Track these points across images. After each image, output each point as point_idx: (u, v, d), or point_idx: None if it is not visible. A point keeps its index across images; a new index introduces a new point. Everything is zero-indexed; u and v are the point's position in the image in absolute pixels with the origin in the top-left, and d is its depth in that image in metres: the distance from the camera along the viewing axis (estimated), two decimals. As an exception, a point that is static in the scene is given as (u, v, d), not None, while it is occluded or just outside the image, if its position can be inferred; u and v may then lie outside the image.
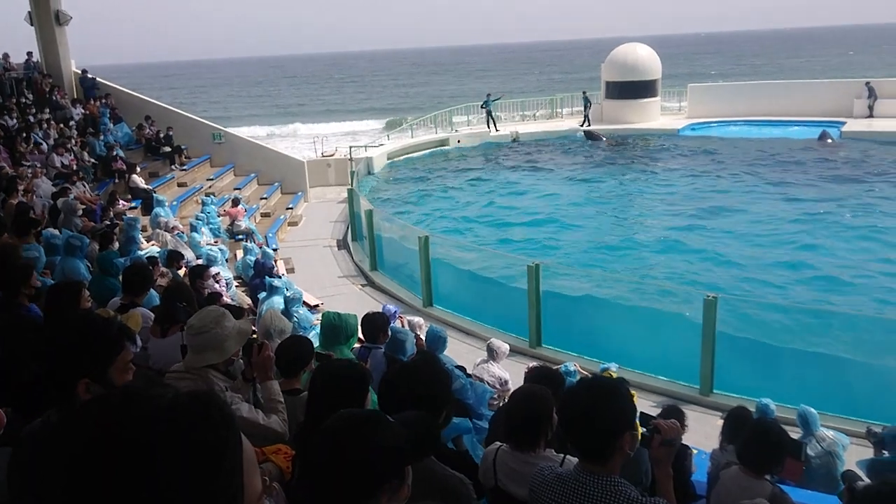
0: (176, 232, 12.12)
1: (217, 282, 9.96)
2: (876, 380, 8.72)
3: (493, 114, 29.21)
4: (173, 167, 18.30)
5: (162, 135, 18.98)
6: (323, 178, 23.11)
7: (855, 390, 8.58)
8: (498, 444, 3.11)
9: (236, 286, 11.92)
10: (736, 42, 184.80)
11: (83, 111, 18.55)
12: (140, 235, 10.68)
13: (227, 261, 12.73)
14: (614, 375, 7.55)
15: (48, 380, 2.30)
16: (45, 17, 19.79)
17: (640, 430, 2.73)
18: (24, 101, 17.57)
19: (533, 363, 8.04)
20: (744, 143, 26.05)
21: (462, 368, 6.87)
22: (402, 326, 7.63)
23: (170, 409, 0.93)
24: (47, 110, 17.25)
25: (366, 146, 25.85)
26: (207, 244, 12.40)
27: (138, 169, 16.15)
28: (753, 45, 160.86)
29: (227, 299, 9.51)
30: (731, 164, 23.24)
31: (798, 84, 32.05)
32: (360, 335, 5.82)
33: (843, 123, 26.59)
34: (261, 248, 13.39)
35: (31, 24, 19.98)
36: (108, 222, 11.32)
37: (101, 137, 17.11)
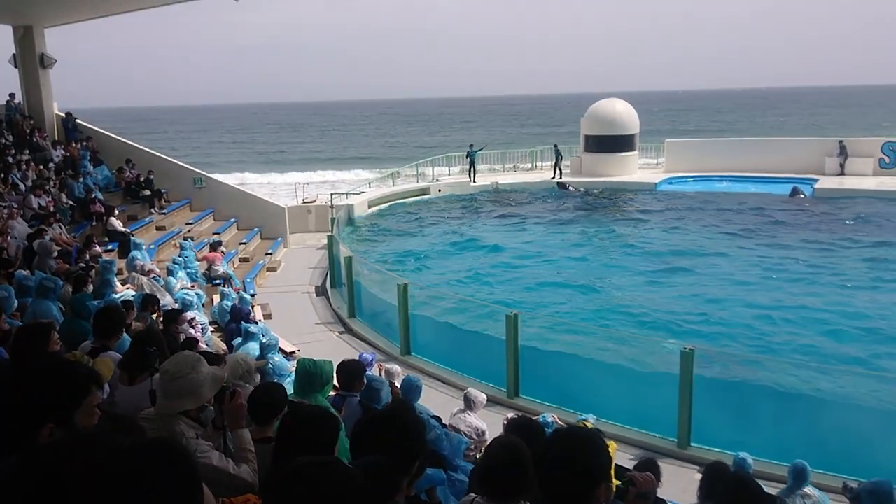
0: (152, 275, 11.99)
1: (192, 327, 9.83)
2: (851, 434, 8.74)
3: (476, 164, 29.58)
4: (153, 210, 18.21)
5: (142, 178, 18.93)
6: (303, 225, 23.11)
7: (831, 445, 8.58)
8: (473, 495, 3.05)
9: (212, 331, 11.77)
10: (712, 99, 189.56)
11: (64, 153, 18.50)
12: (116, 279, 10.56)
13: (203, 306, 12.59)
14: (591, 427, 7.51)
15: (11, 422, 2.24)
16: (30, 60, 19.87)
17: (615, 482, 2.70)
18: (3, 141, 17.50)
19: (510, 413, 7.98)
20: (719, 198, 26.50)
21: (438, 418, 6.79)
22: (380, 374, 7.55)
23: (128, 455, 0.91)
24: (27, 151, 17.17)
25: (347, 193, 25.97)
26: (184, 288, 12.27)
27: (117, 212, 16.05)
28: (729, 102, 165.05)
29: (202, 345, 9.38)
30: (706, 217, 23.61)
31: (772, 141, 32.85)
32: (336, 383, 5.75)
33: (816, 181, 27.19)
34: (238, 293, 13.27)
35: (16, 67, 20.05)
36: (84, 265, 11.18)
37: (81, 179, 17.03)
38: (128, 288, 10.94)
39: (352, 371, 5.77)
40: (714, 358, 10.73)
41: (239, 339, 10.49)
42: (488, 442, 5.84)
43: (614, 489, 2.56)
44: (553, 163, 30.59)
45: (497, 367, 10.75)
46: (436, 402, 9.25)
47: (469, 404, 7.67)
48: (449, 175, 30.97)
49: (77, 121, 20.88)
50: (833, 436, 8.73)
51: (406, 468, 2.70)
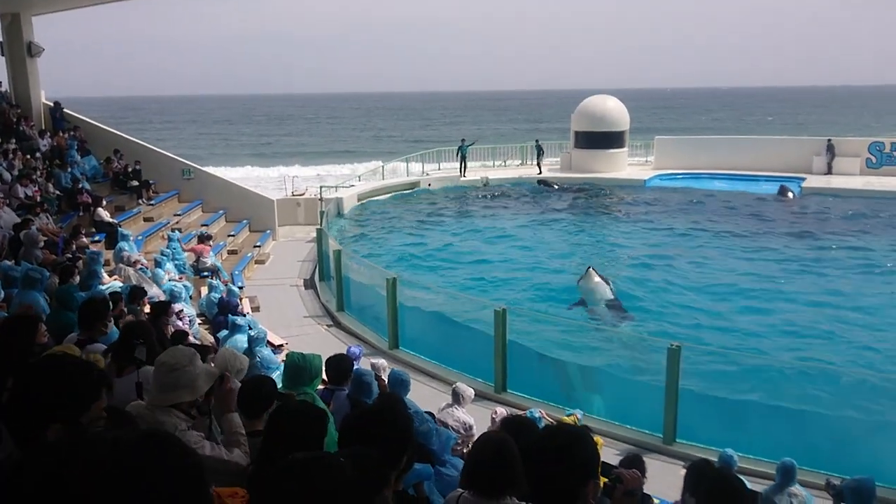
0: (138, 266, 11.94)
1: (180, 318, 9.80)
2: (835, 432, 8.83)
3: (466, 159, 29.58)
4: (140, 201, 18.10)
5: (130, 169, 18.80)
6: (292, 217, 23.04)
7: (815, 442, 8.67)
8: (460, 490, 3.06)
9: (200, 323, 11.73)
10: (701, 98, 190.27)
11: (51, 142, 18.35)
12: (103, 270, 10.50)
13: (191, 298, 12.54)
14: (578, 422, 7.55)
15: (22, 419, 2.21)
16: (17, 49, 19.68)
17: (602, 479, 2.72)
18: (-11, 130, 17.35)
19: (499, 408, 8.01)
20: (707, 195, 26.63)
21: (431, 414, 6.81)
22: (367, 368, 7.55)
23: (133, 450, 0.91)
24: (13, 140, 17.02)
25: (336, 186, 25.90)
26: (171, 280, 12.22)
27: (104, 202, 15.93)
28: (718, 101, 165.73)
29: (190, 338, 9.34)
30: (694, 215, 23.71)
31: (761, 140, 33.03)
32: (325, 377, 5.75)
33: (804, 179, 27.38)
34: (226, 285, 13.23)
35: (2, 55, 19.85)
36: (70, 255, 11.11)
37: (68, 169, 16.90)
38: (115, 279, 10.88)
39: (340, 366, 5.78)
40: (701, 354, 10.81)
41: (225, 332, 10.47)
42: (476, 437, 5.87)
43: (601, 486, 2.58)
44: (535, 159, 30.53)
45: (485, 362, 10.78)
46: (424, 395, 9.26)
47: (457, 399, 7.70)
48: (439, 170, 30.92)
49: (64, 110, 20.70)
50: (819, 434, 8.83)
51: (394, 462, 2.71)
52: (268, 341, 10.41)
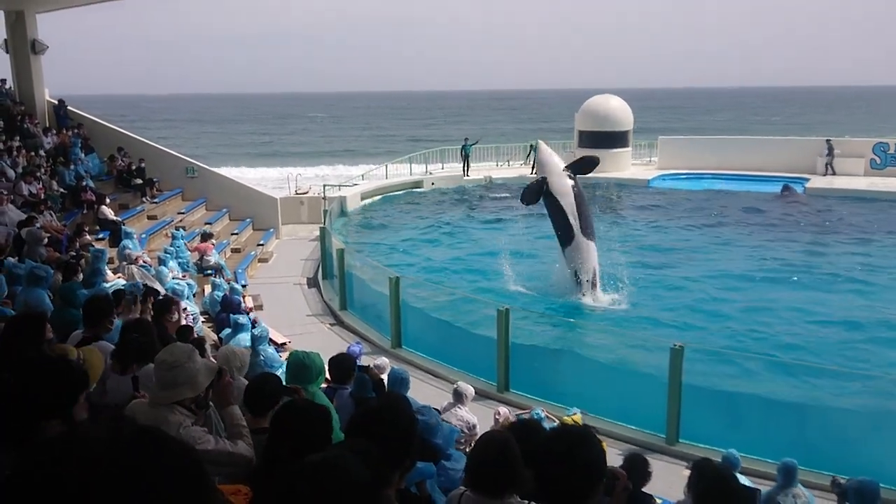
0: (140, 263, 11.96)
1: (184, 317, 9.80)
2: (839, 432, 8.81)
3: (469, 158, 29.56)
4: (144, 199, 18.14)
5: (134, 167, 18.84)
6: (295, 216, 23.04)
7: (818, 442, 8.65)
8: (462, 489, 3.07)
9: (203, 322, 11.74)
10: (706, 98, 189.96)
11: (55, 140, 18.38)
12: (106, 268, 10.51)
13: (194, 295, 12.56)
14: (579, 421, 7.56)
15: (11, 418, 2.24)
16: (21, 46, 19.72)
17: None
18: (-7, 127, 17.39)
19: (501, 408, 8.02)
20: (711, 196, 26.60)
21: (438, 411, 6.82)
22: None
23: (130, 448, 0.90)
24: (17, 138, 17.06)
25: (339, 185, 25.91)
26: (174, 278, 12.24)
27: (108, 200, 15.97)
28: (723, 101, 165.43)
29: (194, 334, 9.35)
30: (698, 215, 23.67)
31: (765, 140, 32.96)
32: (327, 375, 5.76)
33: (808, 180, 27.33)
34: (229, 283, 13.25)
35: (6, 52, 19.89)
36: (74, 253, 11.13)
37: (72, 167, 16.94)
38: (118, 277, 10.90)
39: (343, 364, 5.79)
40: (704, 354, 10.80)
41: (228, 330, 10.48)
42: (479, 436, 5.87)
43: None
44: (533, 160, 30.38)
45: (487, 361, 10.77)
46: (426, 394, 9.26)
47: (459, 398, 7.71)
48: (442, 169, 30.90)
49: (68, 108, 20.74)
50: (821, 434, 8.81)
51: (398, 461, 2.71)
52: (270, 339, 10.43)
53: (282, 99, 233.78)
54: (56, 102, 20.68)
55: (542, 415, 7.36)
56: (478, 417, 7.64)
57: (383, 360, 8.69)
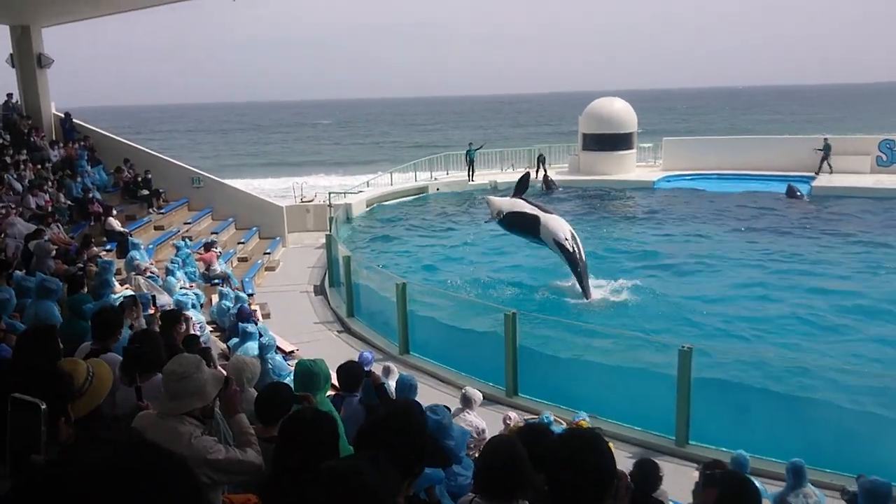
0: (148, 274, 12.00)
1: (192, 327, 9.83)
2: (849, 432, 8.77)
3: (474, 163, 29.55)
4: (151, 210, 18.21)
5: (140, 178, 18.92)
6: (301, 224, 23.10)
7: (828, 442, 8.61)
8: (472, 495, 3.07)
9: (210, 331, 11.78)
10: (710, 98, 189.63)
11: (62, 153, 18.49)
12: (114, 279, 10.56)
13: (202, 305, 12.59)
14: (586, 425, 7.54)
15: None
16: (27, 60, 19.84)
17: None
18: (0, 141, 17.48)
19: (511, 412, 8.02)
20: (716, 196, 26.55)
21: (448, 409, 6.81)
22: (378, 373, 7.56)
23: (131, 460, 0.91)
24: (24, 151, 17.16)
25: (345, 192, 25.96)
26: (182, 288, 12.28)
27: (115, 211, 16.04)
28: (728, 101, 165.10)
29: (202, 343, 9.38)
30: (703, 215, 23.64)
31: (769, 140, 32.89)
32: (336, 383, 5.77)
33: (814, 178, 27.23)
34: (236, 292, 13.28)
35: (13, 67, 20.02)
36: (81, 265, 11.18)
37: (79, 179, 17.03)
38: (126, 288, 10.94)
39: (352, 372, 5.79)
40: (712, 356, 10.76)
41: (236, 340, 10.51)
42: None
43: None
44: (536, 168, 30.07)
45: (496, 366, 10.76)
46: (435, 400, 9.23)
47: (468, 403, 7.70)
48: (447, 174, 30.90)
49: (74, 120, 20.86)
50: (831, 433, 8.77)
51: (409, 469, 2.71)
52: (278, 348, 10.44)
53: (284, 107, 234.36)
54: (62, 116, 20.80)
55: (552, 419, 7.34)
56: (486, 422, 7.63)
57: (391, 367, 8.71)
